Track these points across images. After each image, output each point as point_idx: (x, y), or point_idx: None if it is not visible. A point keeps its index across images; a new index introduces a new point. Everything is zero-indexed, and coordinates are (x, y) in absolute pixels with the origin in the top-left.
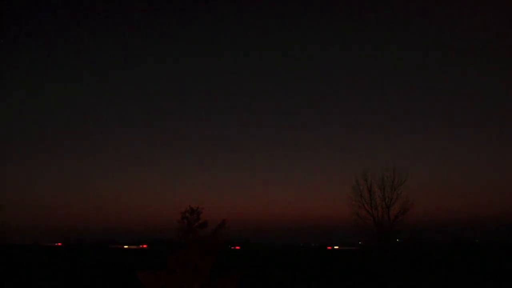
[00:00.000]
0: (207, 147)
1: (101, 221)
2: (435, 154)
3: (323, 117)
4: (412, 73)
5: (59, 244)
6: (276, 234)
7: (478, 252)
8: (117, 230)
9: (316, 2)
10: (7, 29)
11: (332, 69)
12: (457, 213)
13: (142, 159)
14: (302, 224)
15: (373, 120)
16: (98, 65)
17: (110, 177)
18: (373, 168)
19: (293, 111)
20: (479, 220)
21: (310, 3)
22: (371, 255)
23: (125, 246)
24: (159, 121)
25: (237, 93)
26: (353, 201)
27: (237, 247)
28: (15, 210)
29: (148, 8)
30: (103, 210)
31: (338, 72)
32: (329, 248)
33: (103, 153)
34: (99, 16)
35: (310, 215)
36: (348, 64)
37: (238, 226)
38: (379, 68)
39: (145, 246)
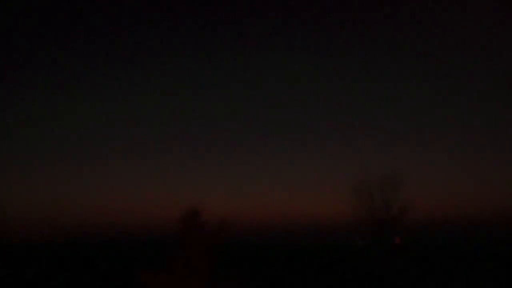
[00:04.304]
0: (207, 147)
1: (100, 221)
2: (435, 154)
3: (323, 117)
4: (412, 74)
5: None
6: (276, 234)
7: (478, 252)
8: (116, 231)
9: (313, 9)
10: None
11: (332, 70)
12: (457, 213)
13: (142, 159)
14: (302, 224)
15: (373, 120)
16: (97, 65)
17: (108, 178)
18: (373, 168)
19: (293, 112)
20: (479, 220)
21: (308, 9)
22: (370, 255)
23: None
24: (160, 122)
25: (237, 95)
26: (353, 201)
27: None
28: (18, 209)
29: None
30: (103, 210)
31: (338, 73)
32: (327, 248)
33: (104, 154)
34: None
35: (309, 215)
36: (348, 66)
37: (238, 226)
38: (378, 69)
39: None
